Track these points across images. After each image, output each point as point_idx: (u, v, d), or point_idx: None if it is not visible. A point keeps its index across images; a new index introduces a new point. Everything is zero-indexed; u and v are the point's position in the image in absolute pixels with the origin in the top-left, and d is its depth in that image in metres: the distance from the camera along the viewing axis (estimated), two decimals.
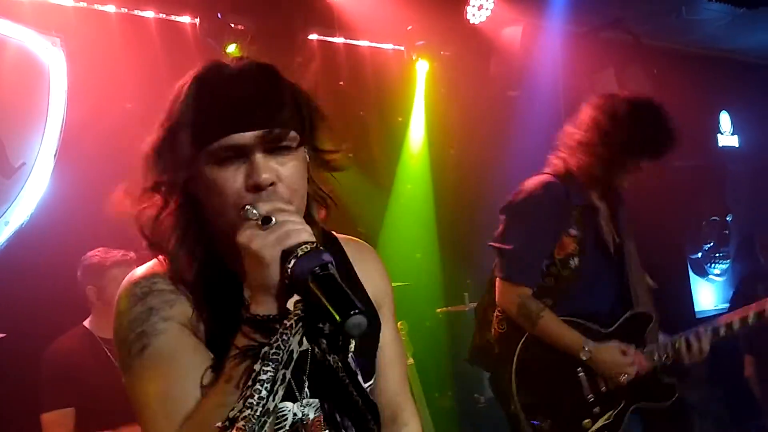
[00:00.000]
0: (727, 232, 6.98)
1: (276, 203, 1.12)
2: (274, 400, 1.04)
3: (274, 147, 1.18)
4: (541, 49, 4.85)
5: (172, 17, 3.76)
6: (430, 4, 4.32)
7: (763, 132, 7.05)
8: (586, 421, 2.62)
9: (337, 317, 0.97)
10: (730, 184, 7.01)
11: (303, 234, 1.09)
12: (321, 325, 1.03)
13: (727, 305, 6.54)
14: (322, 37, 4.25)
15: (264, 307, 1.09)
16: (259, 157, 1.17)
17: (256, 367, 1.04)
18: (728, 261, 6.97)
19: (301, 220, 1.12)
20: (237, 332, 1.13)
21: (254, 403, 1.02)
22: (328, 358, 1.16)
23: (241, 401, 1.03)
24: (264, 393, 1.03)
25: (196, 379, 1.17)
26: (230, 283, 1.24)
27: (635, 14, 5.21)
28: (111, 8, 3.57)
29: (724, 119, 7.00)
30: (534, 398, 2.64)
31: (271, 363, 1.03)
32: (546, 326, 2.61)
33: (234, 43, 3.71)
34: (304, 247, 1.06)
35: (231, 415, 1.04)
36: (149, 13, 3.68)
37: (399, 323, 3.90)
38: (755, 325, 2.70)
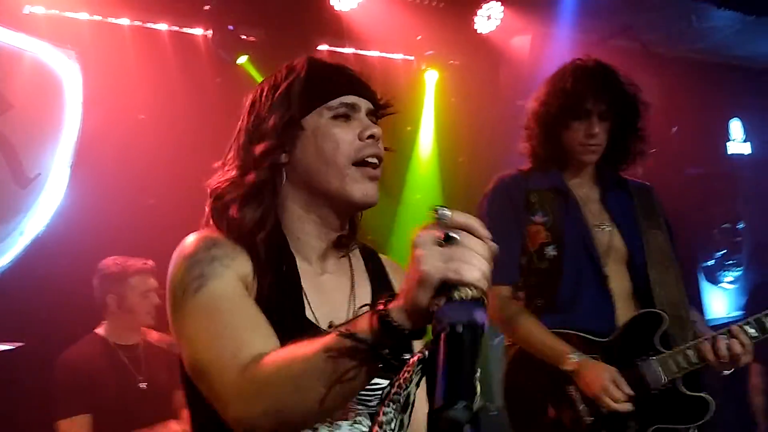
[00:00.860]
0: (739, 239, 6.96)
1: (470, 218, 0.99)
2: None
3: (377, 112, 1.42)
4: (549, 58, 4.88)
5: (185, 29, 3.81)
6: (439, 15, 4.36)
7: None
8: None
9: (447, 393, 0.81)
10: (742, 191, 6.99)
11: (475, 272, 0.92)
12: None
13: (740, 313, 6.53)
14: (332, 48, 4.30)
15: (400, 315, 0.97)
16: (367, 117, 1.38)
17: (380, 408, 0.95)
18: (740, 269, 6.94)
19: (485, 249, 0.96)
20: (291, 302, 1.26)
21: None
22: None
23: None
24: None
25: (254, 324, 1.21)
26: (287, 255, 1.34)
27: (645, 22, 5.22)
28: (125, 21, 3.63)
29: (735, 126, 6.99)
30: (526, 417, 2.36)
31: (392, 404, 0.95)
32: (526, 332, 2.31)
33: (245, 54, 3.76)
34: (470, 290, 0.91)
35: None
36: (162, 26, 3.74)
37: None
38: None
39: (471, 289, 0.90)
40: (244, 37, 3.73)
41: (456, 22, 4.37)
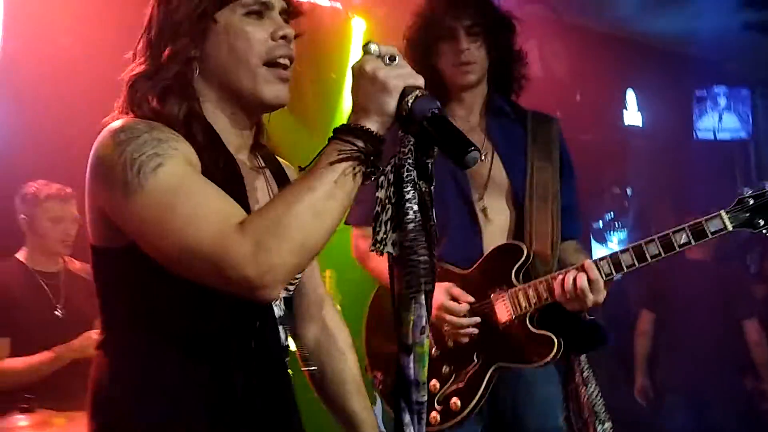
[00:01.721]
0: (626, 204, 7.49)
1: (392, 47, 1.23)
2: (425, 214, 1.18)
3: (289, 13, 1.42)
4: None
5: None
6: None
7: (663, 112, 7.57)
8: (433, 382, 2.16)
9: (457, 152, 1.13)
10: (632, 159, 7.50)
11: (420, 80, 1.21)
12: (427, 159, 1.19)
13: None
14: None
15: (375, 125, 1.18)
16: (280, 16, 1.39)
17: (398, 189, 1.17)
18: (626, 231, 7.48)
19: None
20: (236, 192, 1.27)
21: (411, 218, 1.16)
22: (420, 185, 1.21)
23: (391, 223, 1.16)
24: (415, 208, 1.16)
25: (225, 195, 1.21)
26: (221, 145, 1.36)
27: None
28: None
29: (630, 97, 7.46)
30: (376, 352, 2.32)
31: (408, 182, 1.16)
32: (376, 263, 2.19)
33: None
34: (423, 90, 1.19)
35: (381, 237, 1.16)
36: None
37: (327, 271, 4.04)
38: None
39: (425, 91, 1.19)
40: None
41: None
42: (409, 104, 1.16)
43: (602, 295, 2.04)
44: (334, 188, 1.15)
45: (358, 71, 1.20)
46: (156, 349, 1.29)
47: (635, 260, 2.02)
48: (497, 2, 2.34)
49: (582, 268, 2.04)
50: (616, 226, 7.41)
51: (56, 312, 3.20)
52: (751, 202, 1.95)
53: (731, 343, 4.47)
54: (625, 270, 2.04)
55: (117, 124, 1.27)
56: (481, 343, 2.17)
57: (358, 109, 1.19)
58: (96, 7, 3.58)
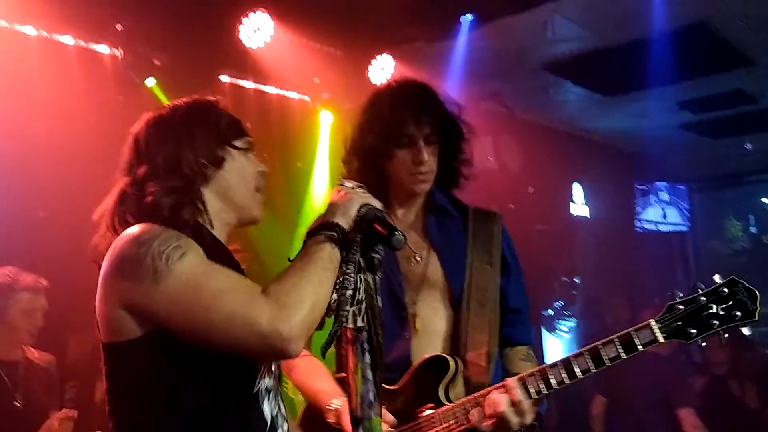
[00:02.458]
0: (575, 292, 7.68)
1: (356, 183, 1.70)
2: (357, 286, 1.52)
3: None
4: None
5: (91, 45, 3.80)
6: (336, 61, 4.62)
7: (607, 204, 7.91)
8: None
9: (389, 234, 1.53)
10: (579, 248, 7.76)
11: (375, 201, 1.63)
12: (375, 248, 1.58)
13: None
14: (233, 80, 4.43)
15: (341, 221, 1.54)
16: None
17: (343, 268, 1.50)
18: (575, 319, 7.65)
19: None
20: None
21: (348, 285, 1.49)
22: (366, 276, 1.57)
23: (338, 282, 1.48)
24: (352, 280, 1.50)
25: (242, 277, 1.45)
26: (224, 247, 1.60)
27: (511, 90, 5.79)
28: (30, 30, 3.56)
29: (577, 190, 7.78)
30: None
31: (351, 264, 1.51)
32: (299, 376, 2.06)
33: (153, 77, 3.81)
34: (374, 206, 1.60)
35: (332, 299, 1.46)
36: (68, 39, 3.71)
37: None
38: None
39: (375, 207, 1.61)
40: (156, 62, 3.77)
41: (351, 70, 4.65)
42: (362, 211, 1.58)
43: (529, 417, 1.84)
44: (326, 262, 1.47)
45: (335, 191, 1.63)
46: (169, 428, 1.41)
47: (564, 377, 1.82)
48: (452, 102, 2.23)
49: (503, 388, 1.84)
50: (566, 314, 7.57)
51: (15, 402, 3.11)
52: (682, 308, 1.78)
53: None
54: (555, 387, 1.82)
55: (136, 230, 1.41)
56: None
57: (329, 212, 1.56)
58: (70, 95, 3.66)
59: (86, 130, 3.64)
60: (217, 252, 1.49)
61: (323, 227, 1.51)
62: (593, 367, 1.81)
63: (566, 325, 7.59)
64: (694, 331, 1.77)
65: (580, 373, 1.81)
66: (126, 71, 3.71)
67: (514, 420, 1.82)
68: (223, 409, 1.42)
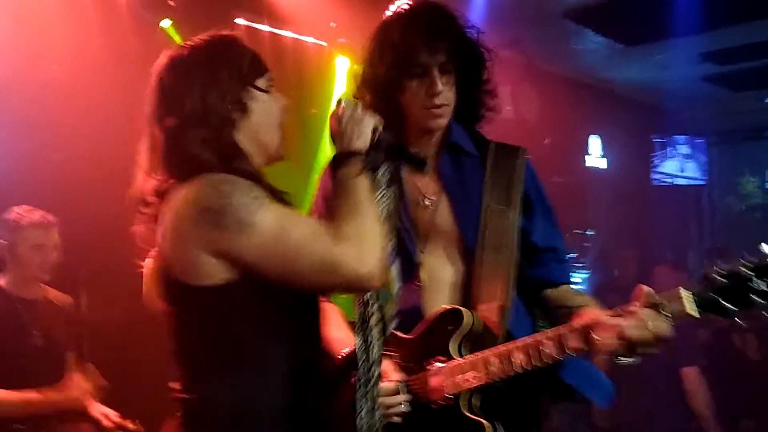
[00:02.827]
0: (587, 244, 7.69)
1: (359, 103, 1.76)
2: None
3: None
4: None
5: None
6: (353, 6, 4.53)
7: (624, 157, 7.84)
8: None
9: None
10: (594, 201, 7.73)
11: (377, 118, 1.66)
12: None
13: None
14: (248, 23, 4.38)
15: (361, 146, 1.59)
16: None
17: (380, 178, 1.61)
18: (587, 271, 7.67)
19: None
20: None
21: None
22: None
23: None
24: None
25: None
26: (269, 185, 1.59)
27: (531, 38, 5.68)
28: None
29: (594, 142, 7.71)
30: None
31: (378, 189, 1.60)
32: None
33: (169, 19, 3.77)
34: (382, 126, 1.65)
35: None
36: None
37: None
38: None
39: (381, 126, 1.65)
40: (171, 3, 3.72)
41: (370, 14, 4.54)
42: (377, 134, 1.62)
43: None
44: (371, 195, 1.54)
45: (339, 109, 1.63)
46: (253, 375, 1.48)
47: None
48: (472, 26, 2.04)
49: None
50: (578, 266, 7.58)
51: (34, 340, 3.16)
52: (721, 280, 1.61)
53: (673, 390, 4.49)
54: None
55: (214, 178, 1.45)
56: (413, 425, 1.82)
57: (348, 138, 1.59)
58: (85, 36, 3.63)
59: (102, 71, 3.63)
60: (276, 196, 1.52)
61: (350, 156, 1.56)
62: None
63: (578, 276, 7.62)
64: (733, 307, 1.59)
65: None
66: (141, 12, 3.67)
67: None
68: (294, 351, 1.51)
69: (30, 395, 2.98)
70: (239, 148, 1.55)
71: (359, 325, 1.60)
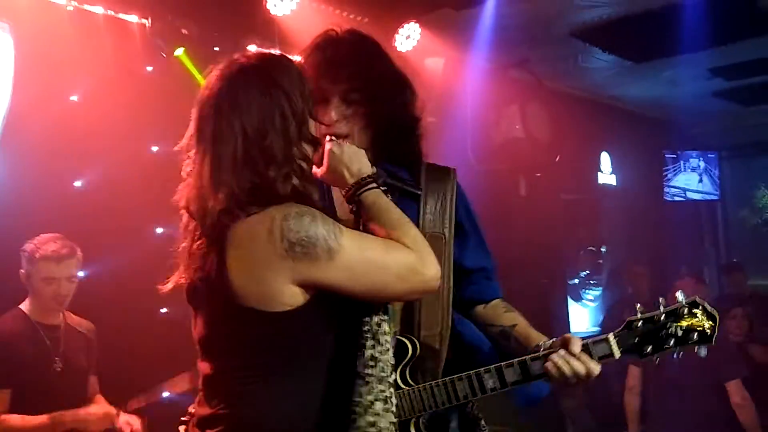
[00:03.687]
0: (600, 261, 7.67)
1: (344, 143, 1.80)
2: None
3: None
4: (459, 80, 5.28)
5: (121, 15, 3.83)
6: (363, 29, 4.60)
7: (635, 173, 7.84)
8: None
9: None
10: (606, 218, 7.72)
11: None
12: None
13: (598, 329, 7.19)
14: (260, 49, 4.43)
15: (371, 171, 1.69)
16: None
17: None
18: (600, 288, 7.65)
19: None
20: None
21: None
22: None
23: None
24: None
25: None
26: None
27: (539, 57, 5.73)
28: (62, 1, 3.60)
29: (605, 159, 7.72)
30: None
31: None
32: None
33: (181, 46, 3.84)
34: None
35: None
36: (99, 9, 3.74)
37: None
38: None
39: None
40: (184, 31, 3.80)
41: (378, 38, 4.61)
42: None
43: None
44: (397, 208, 1.65)
45: (334, 144, 1.69)
46: (303, 392, 1.54)
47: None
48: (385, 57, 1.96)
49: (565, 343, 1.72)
50: (591, 283, 7.57)
51: (55, 365, 3.20)
52: (640, 325, 1.74)
53: (717, 402, 4.42)
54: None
55: (294, 210, 1.48)
56: None
57: (357, 163, 1.67)
58: (101, 66, 3.71)
59: (117, 100, 3.69)
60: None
61: (366, 182, 1.65)
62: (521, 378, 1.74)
63: (591, 293, 7.61)
64: (649, 348, 1.73)
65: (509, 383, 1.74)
66: (154, 40, 3.75)
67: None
68: (339, 369, 1.57)
69: (40, 419, 3.01)
70: (307, 174, 1.58)
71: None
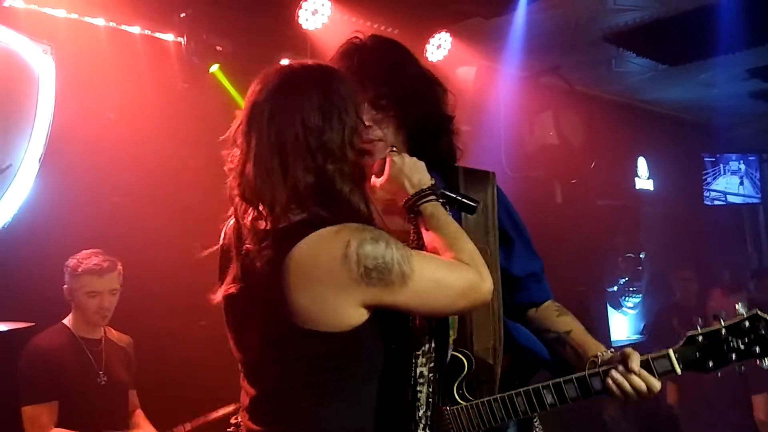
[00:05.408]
0: (640, 268, 7.56)
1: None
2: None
3: None
4: (490, 89, 5.27)
5: (157, 34, 3.91)
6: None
7: (673, 177, 7.73)
8: None
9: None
10: (644, 223, 7.62)
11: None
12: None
13: (639, 336, 7.09)
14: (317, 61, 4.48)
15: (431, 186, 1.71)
16: None
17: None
18: (640, 295, 7.54)
19: None
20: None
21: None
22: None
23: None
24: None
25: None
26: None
27: (572, 63, 5.70)
28: (100, 21, 3.69)
29: (642, 164, 7.62)
30: None
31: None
32: None
33: (217, 63, 3.91)
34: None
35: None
36: (136, 29, 3.83)
37: None
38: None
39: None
40: (219, 48, 3.87)
41: (409, 48, 4.64)
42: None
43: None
44: (453, 220, 1.68)
45: (396, 157, 1.72)
46: (354, 409, 1.54)
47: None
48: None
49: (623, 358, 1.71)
50: (631, 290, 7.47)
51: (99, 379, 3.26)
52: (701, 340, 1.72)
53: (744, 416, 4.40)
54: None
55: (365, 234, 1.47)
56: None
57: (418, 174, 1.69)
58: (137, 83, 3.79)
59: (153, 116, 3.77)
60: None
61: (426, 194, 1.67)
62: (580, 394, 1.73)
63: (631, 301, 7.50)
64: (711, 363, 1.72)
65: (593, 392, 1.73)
66: (190, 58, 3.82)
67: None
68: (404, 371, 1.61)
69: None
70: (359, 182, 1.56)
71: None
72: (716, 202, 8.23)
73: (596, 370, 1.73)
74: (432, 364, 1.65)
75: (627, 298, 7.51)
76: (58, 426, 3.08)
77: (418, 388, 1.61)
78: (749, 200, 8.50)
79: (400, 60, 1.92)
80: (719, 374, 1.74)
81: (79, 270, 3.21)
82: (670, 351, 1.72)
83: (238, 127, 1.57)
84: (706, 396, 4.39)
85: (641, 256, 7.57)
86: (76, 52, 3.58)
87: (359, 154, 1.57)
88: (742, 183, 8.33)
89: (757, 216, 9.00)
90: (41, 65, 3.43)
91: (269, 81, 1.55)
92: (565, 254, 5.60)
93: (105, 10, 3.68)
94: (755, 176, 8.40)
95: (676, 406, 4.72)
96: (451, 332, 1.73)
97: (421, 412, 1.60)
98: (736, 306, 1.74)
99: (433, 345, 1.66)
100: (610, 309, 7.25)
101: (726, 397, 4.35)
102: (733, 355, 1.70)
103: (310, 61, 1.65)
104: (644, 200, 7.58)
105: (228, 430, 1.79)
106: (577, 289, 5.94)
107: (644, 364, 1.70)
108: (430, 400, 1.63)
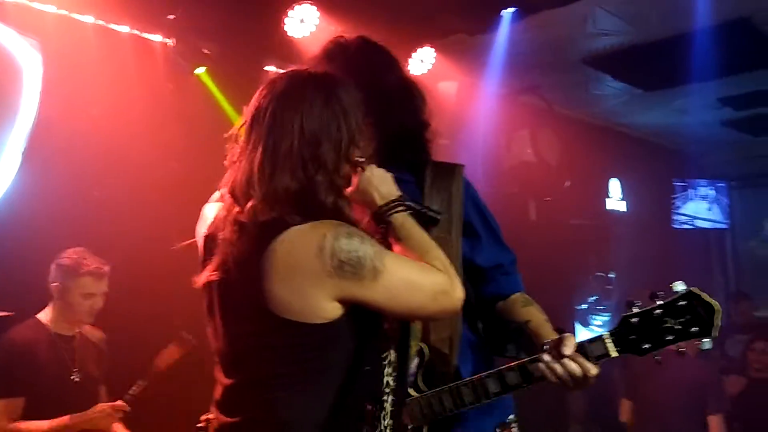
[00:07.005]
0: (610, 287, 7.68)
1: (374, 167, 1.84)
2: None
3: None
4: (471, 104, 5.37)
5: (145, 35, 3.95)
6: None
7: (645, 200, 7.88)
8: None
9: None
10: (615, 244, 7.75)
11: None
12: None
13: None
14: (279, 70, 4.54)
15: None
16: None
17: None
18: (609, 314, 7.65)
19: None
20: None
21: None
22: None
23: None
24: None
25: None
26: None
27: (550, 83, 5.82)
28: (89, 19, 3.72)
29: (615, 185, 7.77)
30: None
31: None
32: None
33: (203, 66, 3.95)
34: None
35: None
36: (124, 28, 3.86)
37: None
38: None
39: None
40: (206, 51, 3.91)
41: None
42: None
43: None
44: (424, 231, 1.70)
45: (369, 169, 1.69)
46: (330, 399, 1.57)
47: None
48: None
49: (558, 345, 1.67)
50: (600, 309, 7.57)
51: (73, 377, 3.25)
52: (636, 321, 1.65)
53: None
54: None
55: (342, 230, 1.52)
56: None
57: (387, 186, 1.71)
58: (123, 82, 3.82)
59: (138, 115, 3.80)
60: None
61: (395, 204, 1.69)
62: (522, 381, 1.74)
63: (600, 319, 7.60)
64: (647, 345, 1.65)
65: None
66: (177, 59, 3.86)
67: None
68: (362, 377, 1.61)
69: (60, 421, 3.07)
70: (344, 193, 1.62)
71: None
72: (684, 226, 8.40)
73: (535, 356, 1.71)
74: (393, 371, 1.71)
75: (595, 317, 7.61)
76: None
77: (385, 380, 1.67)
78: (717, 225, 8.69)
79: (383, 68, 1.94)
80: (657, 357, 1.67)
81: (81, 271, 3.21)
82: (604, 333, 1.68)
83: (242, 125, 1.62)
84: (660, 413, 4.47)
85: (611, 275, 7.68)
86: (64, 48, 3.60)
87: (353, 167, 1.63)
88: (710, 208, 8.51)
89: (724, 242, 9.19)
90: (28, 59, 3.45)
91: (276, 85, 1.61)
92: (536, 270, 5.64)
93: (94, 8, 3.71)
94: (724, 202, 8.59)
95: (631, 425, 4.75)
96: (412, 343, 1.77)
97: (387, 405, 1.66)
98: (674, 285, 1.66)
99: (393, 353, 1.72)
100: (578, 326, 7.35)
101: (680, 415, 4.43)
102: (671, 336, 1.64)
103: (323, 70, 1.68)
104: (616, 221, 7.71)
105: (198, 425, 1.80)
106: (546, 306, 6.02)
107: (579, 349, 1.66)
108: (393, 398, 1.69)
